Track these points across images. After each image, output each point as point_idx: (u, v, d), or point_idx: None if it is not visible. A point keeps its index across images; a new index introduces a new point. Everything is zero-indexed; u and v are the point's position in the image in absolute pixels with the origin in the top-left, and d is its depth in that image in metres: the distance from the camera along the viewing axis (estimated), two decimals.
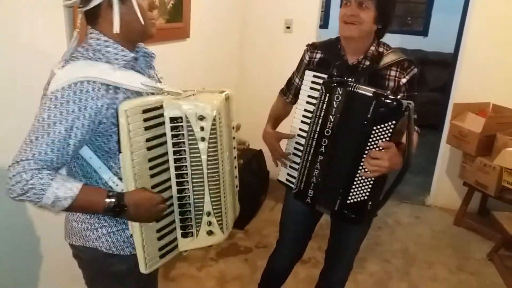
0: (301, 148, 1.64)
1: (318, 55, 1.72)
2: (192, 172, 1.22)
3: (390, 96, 1.41)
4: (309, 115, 1.61)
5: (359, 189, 1.49)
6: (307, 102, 1.63)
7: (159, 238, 1.23)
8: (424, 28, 6.61)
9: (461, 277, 2.76)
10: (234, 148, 1.45)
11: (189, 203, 1.25)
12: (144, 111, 1.12)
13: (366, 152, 1.44)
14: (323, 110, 1.52)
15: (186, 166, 1.21)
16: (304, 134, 1.62)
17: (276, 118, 1.86)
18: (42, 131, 1.04)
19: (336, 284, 1.93)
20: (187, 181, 1.23)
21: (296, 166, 1.66)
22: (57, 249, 1.63)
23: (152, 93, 1.19)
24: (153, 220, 1.20)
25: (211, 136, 1.19)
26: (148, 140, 1.14)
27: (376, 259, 2.89)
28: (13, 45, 1.57)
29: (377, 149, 1.42)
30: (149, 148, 1.15)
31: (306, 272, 2.63)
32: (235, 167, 1.46)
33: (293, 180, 1.68)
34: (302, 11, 3.51)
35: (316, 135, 1.55)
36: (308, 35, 3.42)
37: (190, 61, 2.85)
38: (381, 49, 1.65)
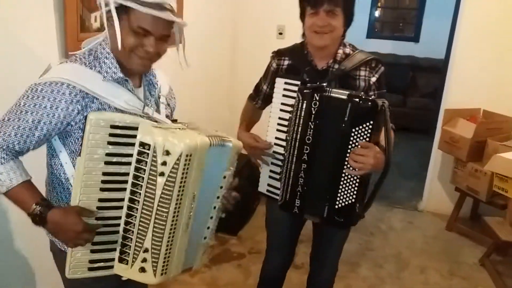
0: (280, 157, 1.63)
1: (286, 62, 1.72)
2: (144, 202, 1.16)
3: (364, 97, 1.44)
4: (285, 123, 1.61)
5: (346, 192, 1.49)
6: (281, 110, 1.62)
7: (92, 251, 1.18)
8: (416, 34, 6.68)
9: (453, 282, 2.77)
10: (218, 198, 1.35)
11: (133, 231, 1.18)
12: (113, 127, 1.11)
13: (348, 155, 1.46)
14: (302, 117, 1.51)
15: (140, 194, 1.16)
16: (281, 143, 1.62)
17: (248, 122, 1.86)
18: (13, 115, 1.12)
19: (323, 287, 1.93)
20: (137, 209, 1.17)
21: (277, 176, 1.66)
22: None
23: (137, 115, 1.19)
24: (70, 244, 1.13)
25: (170, 173, 1.12)
26: (108, 154, 1.12)
27: (369, 264, 2.89)
28: (8, 46, 1.58)
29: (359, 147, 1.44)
30: (107, 163, 1.13)
31: (299, 277, 2.62)
32: (211, 218, 1.36)
33: (274, 190, 1.67)
34: (295, 17, 3.48)
35: (297, 143, 1.54)
36: (300, 40, 3.43)
37: (181, 67, 2.83)
38: (347, 50, 1.67)
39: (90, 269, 1.19)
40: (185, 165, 1.13)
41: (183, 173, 1.13)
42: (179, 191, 1.15)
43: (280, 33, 3.55)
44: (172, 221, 1.17)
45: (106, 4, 1.11)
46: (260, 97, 1.85)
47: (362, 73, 1.65)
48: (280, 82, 1.62)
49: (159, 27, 1.14)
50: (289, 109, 1.58)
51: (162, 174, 1.12)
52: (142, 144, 1.12)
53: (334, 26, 1.56)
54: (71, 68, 1.16)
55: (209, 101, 3.49)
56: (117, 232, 1.19)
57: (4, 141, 1.11)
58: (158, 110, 1.30)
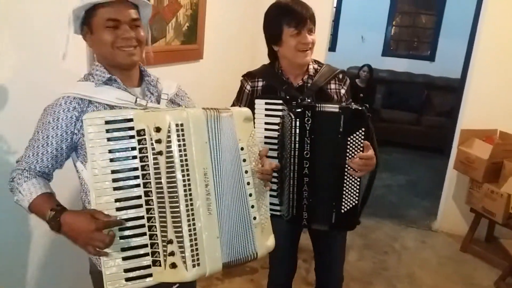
0: (274, 173, 1.66)
1: (260, 83, 1.77)
2: (156, 191, 1.12)
3: (353, 107, 1.53)
4: (272, 141, 1.67)
5: (349, 195, 1.58)
6: (266, 129, 1.67)
7: (124, 258, 1.13)
8: (431, 53, 6.68)
9: None
10: (247, 172, 1.28)
11: (156, 226, 1.13)
12: (107, 122, 1.12)
13: (347, 161, 1.55)
14: (297, 134, 1.56)
15: (150, 183, 1.12)
16: (272, 160, 1.65)
17: None
18: (32, 139, 1.23)
19: None
20: (153, 201, 1.13)
21: (273, 193, 1.69)
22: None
23: (135, 108, 1.22)
24: (89, 248, 1.09)
25: (167, 149, 1.09)
26: (111, 151, 1.12)
27: (382, 284, 2.87)
28: (39, 64, 1.64)
29: (357, 152, 1.53)
30: (112, 160, 1.12)
31: None
32: (250, 195, 1.28)
33: (273, 207, 1.67)
34: None
35: (296, 159, 1.58)
36: (317, 57, 3.44)
37: (203, 81, 2.90)
38: (315, 66, 1.77)
39: (128, 279, 1.13)
40: (178, 135, 1.10)
41: (179, 145, 1.11)
42: (181, 166, 1.11)
43: None
44: (186, 200, 1.11)
45: (76, 17, 1.23)
46: None
47: (333, 86, 1.76)
48: (260, 103, 1.69)
49: (124, 12, 1.21)
50: (275, 127, 1.66)
51: (160, 153, 1.10)
52: (139, 132, 1.12)
53: (314, 43, 1.68)
54: (70, 87, 1.26)
55: None
56: (145, 233, 1.14)
57: (26, 163, 1.21)
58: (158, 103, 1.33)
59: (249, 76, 1.80)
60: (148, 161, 1.12)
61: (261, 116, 1.68)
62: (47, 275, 1.84)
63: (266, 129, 1.68)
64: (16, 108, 1.56)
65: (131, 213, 1.14)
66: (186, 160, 1.12)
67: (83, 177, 1.25)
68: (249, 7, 3.58)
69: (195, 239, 1.12)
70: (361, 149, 1.54)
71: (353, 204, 1.58)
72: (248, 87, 1.79)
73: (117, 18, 1.20)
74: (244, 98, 1.80)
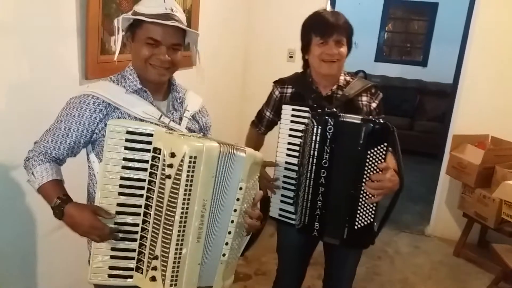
0: (291, 181, 1.67)
1: (289, 90, 1.77)
2: (156, 208, 1.19)
3: (377, 121, 1.50)
4: (295, 148, 1.65)
5: (364, 212, 1.53)
6: (290, 136, 1.66)
7: (112, 257, 1.22)
8: (424, 58, 6.73)
9: None
10: (236, 211, 1.30)
11: (147, 238, 1.21)
12: (128, 132, 1.18)
13: (365, 176, 1.50)
14: (317, 142, 1.54)
15: (153, 199, 1.19)
16: (292, 167, 1.65)
17: (254, 148, 1.88)
18: (52, 125, 1.30)
19: None
20: (150, 215, 1.20)
21: (289, 200, 1.68)
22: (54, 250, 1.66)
23: (155, 124, 1.26)
24: (86, 236, 1.21)
25: (176, 175, 1.14)
26: (125, 159, 1.19)
27: None
28: (33, 66, 1.65)
29: (375, 171, 1.48)
30: (124, 167, 1.19)
31: None
32: (229, 233, 1.31)
33: (287, 215, 1.69)
34: None
35: (313, 167, 1.56)
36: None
37: (195, 88, 2.89)
38: (348, 78, 1.74)
39: (110, 275, 1.22)
40: (189, 166, 1.14)
41: (188, 175, 1.14)
42: (184, 194, 1.15)
43: (291, 57, 3.61)
44: (180, 226, 1.17)
45: (127, 20, 1.25)
46: (263, 123, 1.90)
47: (364, 98, 1.72)
48: (287, 109, 1.67)
49: (167, 36, 1.25)
50: (298, 134, 1.63)
51: (169, 176, 1.16)
52: (155, 149, 1.18)
53: (341, 55, 1.63)
54: (99, 84, 1.33)
55: (220, 125, 3.53)
56: (136, 240, 1.22)
57: (44, 147, 1.28)
58: (179, 123, 1.36)
59: (279, 82, 1.81)
60: (156, 179, 1.18)
61: (286, 122, 1.67)
62: (46, 276, 1.84)
63: (290, 135, 1.66)
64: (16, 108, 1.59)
65: (129, 219, 1.21)
66: (190, 190, 1.16)
67: (93, 168, 1.32)
68: (242, 13, 3.59)
69: (179, 262, 1.19)
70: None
71: (368, 221, 1.53)
72: (277, 93, 1.80)
73: (158, 39, 1.25)
74: (272, 103, 1.83)
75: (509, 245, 2.81)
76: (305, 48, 1.71)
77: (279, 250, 1.93)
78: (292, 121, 1.65)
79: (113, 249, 1.21)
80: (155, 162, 1.18)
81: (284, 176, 1.69)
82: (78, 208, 1.20)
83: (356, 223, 1.54)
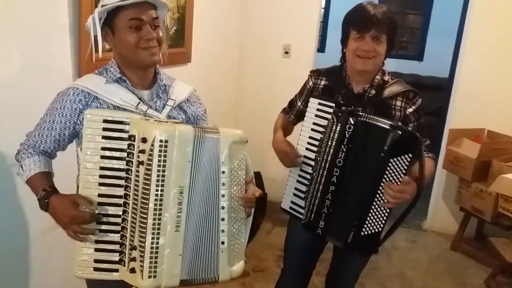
0: (306, 176, 1.63)
1: (323, 82, 1.72)
2: (133, 197, 1.17)
3: (406, 129, 1.43)
4: (315, 142, 1.60)
5: (375, 221, 1.48)
6: (312, 130, 1.62)
7: (97, 250, 1.21)
8: (419, 53, 6.72)
9: None
10: (224, 196, 1.27)
11: (127, 228, 1.18)
12: (105, 121, 1.18)
13: (382, 183, 1.43)
14: (335, 139, 1.49)
15: (130, 187, 1.18)
16: (310, 162, 1.61)
17: (283, 130, 1.81)
18: (40, 119, 1.32)
19: None
20: (129, 204, 1.18)
21: (301, 195, 1.64)
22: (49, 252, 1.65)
23: (134, 112, 1.25)
24: (69, 231, 1.18)
25: (148, 161, 1.12)
26: (103, 148, 1.18)
27: (373, 285, 2.87)
28: (25, 65, 1.64)
29: (394, 181, 1.42)
30: (103, 157, 1.19)
31: None
32: (222, 219, 1.27)
33: (298, 209, 1.66)
34: (300, 36, 3.58)
35: (327, 164, 1.51)
36: (306, 59, 3.48)
37: (191, 84, 2.88)
38: (386, 78, 1.66)
39: (96, 269, 1.21)
40: (160, 151, 1.12)
41: (159, 160, 1.12)
42: (157, 180, 1.13)
43: (286, 52, 3.59)
44: (154, 214, 1.13)
45: (95, 22, 1.24)
46: (293, 112, 1.86)
47: (398, 103, 1.64)
48: (314, 102, 1.63)
49: (146, 12, 1.25)
50: (321, 129, 1.59)
51: (142, 163, 1.14)
52: (130, 137, 1.18)
53: (378, 52, 1.56)
54: (83, 77, 1.36)
55: (215, 121, 3.53)
56: (119, 231, 1.21)
57: (32, 140, 1.31)
58: (161, 111, 1.34)
59: (315, 73, 1.77)
60: (132, 167, 1.18)
61: (311, 115, 1.63)
62: (42, 276, 1.84)
63: (312, 129, 1.62)
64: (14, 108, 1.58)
65: (111, 210, 1.21)
66: (163, 176, 1.15)
67: (78, 159, 1.33)
68: (236, 9, 3.57)
69: (156, 253, 1.16)
70: (403, 175, 1.42)
71: (376, 230, 1.48)
72: (311, 83, 1.76)
73: (141, 17, 1.24)
74: (304, 93, 1.79)
75: (506, 238, 2.82)
76: (344, 41, 1.65)
77: (286, 247, 1.88)
78: (316, 115, 1.62)
79: (97, 241, 1.20)
80: (131, 149, 1.17)
81: (301, 170, 1.66)
82: (60, 198, 1.21)
83: (364, 229, 1.49)
